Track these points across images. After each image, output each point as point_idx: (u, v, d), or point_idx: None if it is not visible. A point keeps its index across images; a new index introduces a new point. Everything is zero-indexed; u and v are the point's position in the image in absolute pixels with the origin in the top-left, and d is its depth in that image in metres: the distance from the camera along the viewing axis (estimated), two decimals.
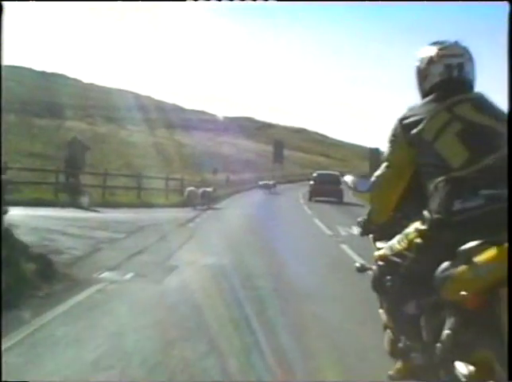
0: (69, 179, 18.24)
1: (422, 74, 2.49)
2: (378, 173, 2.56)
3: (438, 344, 2.12)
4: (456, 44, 2.45)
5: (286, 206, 23.33)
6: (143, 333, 4.06)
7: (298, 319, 4.66)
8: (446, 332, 2.07)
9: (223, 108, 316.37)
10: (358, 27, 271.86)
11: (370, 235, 2.93)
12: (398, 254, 2.42)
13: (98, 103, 60.67)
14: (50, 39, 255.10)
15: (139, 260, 7.40)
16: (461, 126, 2.22)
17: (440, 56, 2.41)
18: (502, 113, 2.31)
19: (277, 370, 3.36)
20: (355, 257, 7.88)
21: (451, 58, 2.40)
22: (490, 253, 1.90)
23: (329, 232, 12.47)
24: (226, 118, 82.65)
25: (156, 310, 4.82)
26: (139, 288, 5.68)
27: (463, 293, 1.95)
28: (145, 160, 29.43)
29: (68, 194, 17.07)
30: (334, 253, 9.13)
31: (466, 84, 2.41)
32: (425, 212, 2.21)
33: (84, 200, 16.31)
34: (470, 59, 2.42)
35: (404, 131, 2.36)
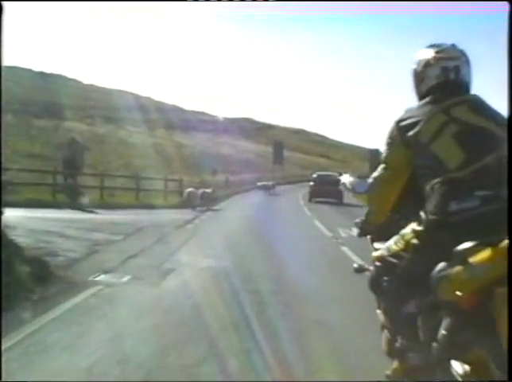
0: (67, 180, 18.16)
1: (419, 76, 2.51)
2: (375, 174, 2.58)
3: (434, 344, 2.15)
4: (453, 47, 2.47)
5: (286, 207, 23.25)
6: (138, 338, 3.96)
7: (299, 324, 4.55)
8: (442, 332, 2.09)
9: (222, 109, 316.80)
10: (358, 27, 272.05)
11: (368, 236, 2.93)
12: (395, 254, 2.45)
13: (97, 104, 60.57)
14: (49, 39, 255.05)
15: (136, 263, 7.29)
16: (457, 128, 2.25)
17: (436, 59, 2.44)
18: (498, 115, 2.34)
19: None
20: (356, 259, 7.76)
21: (447, 61, 2.42)
22: (486, 254, 1.92)
23: (329, 234, 12.37)
24: (226, 119, 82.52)
25: (153, 315, 4.71)
26: (136, 291, 5.57)
27: (458, 293, 1.97)
28: (145, 160, 29.38)
29: (66, 195, 16.99)
30: (334, 255, 9.02)
31: (462, 87, 2.43)
32: (422, 213, 2.24)
33: (83, 201, 16.23)
34: (466, 62, 2.45)
35: (401, 133, 2.38)
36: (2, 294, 4.28)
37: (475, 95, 2.42)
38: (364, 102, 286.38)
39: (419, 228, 2.26)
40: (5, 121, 22.21)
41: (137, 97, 69.41)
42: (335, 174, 29.80)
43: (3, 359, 3.25)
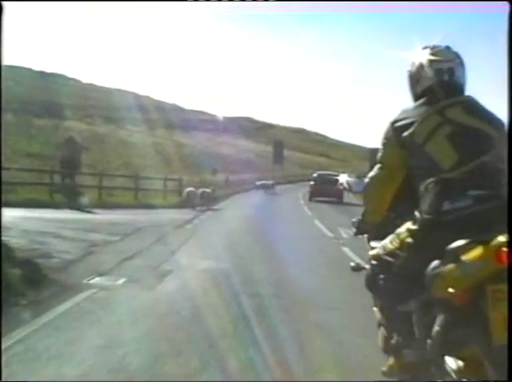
0: (65, 180, 17.99)
1: (414, 78, 2.56)
2: (371, 174, 2.62)
3: (429, 341, 2.19)
4: (447, 49, 2.52)
5: (286, 206, 23.12)
6: (132, 345, 3.78)
7: (299, 328, 4.38)
8: (436, 328, 2.13)
9: (222, 108, 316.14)
10: (359, 27, 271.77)
11: (365, 235, 2.98)
12: (391, 253, 2.47)
13: (97, 103, 60.46)
14: (49, 39, 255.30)
15: (133, 264, 7.10)
16: (451, 129, 2.28)
17: (431, 61, 2.48)
18: (492, 116, 2.38)
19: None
20: (357, 260, 7.58)
21: (441, 63, 2.47)
22: (477, 252, 1.96)
23: (330, 234, 12.21)
24: (226, 119, 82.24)
25: (148, 319, 4.53)
26: (131, 295, 5.38)
27: (451, 290, 2.01)
28: (145, 160, 29.26)
29: (64, 195, 16.82)
30: (335, 256, 8.86)
31: (456, 88, 2.47)
32: (416, 213, 2.28)
33: (83, 201, 16.07)
34: (460, 64, 2.49)
35: (396, 134, 2.42)
36: None
37: (469, 97, 2.45)
38: (364, 101, 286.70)
39: (414, 227, 2.30)
40: (5, 120, 22.09)
41: (137, 96, 69.29)
42: (336, 173, 29.81)
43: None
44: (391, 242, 2.48)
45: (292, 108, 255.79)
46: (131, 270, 6.59)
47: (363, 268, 3.02)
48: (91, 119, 46.27)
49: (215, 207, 19.88)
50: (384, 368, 2.77)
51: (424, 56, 2.51)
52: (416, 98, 2.54)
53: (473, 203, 2.15)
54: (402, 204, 2.51)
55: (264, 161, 49.68)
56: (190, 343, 3.87)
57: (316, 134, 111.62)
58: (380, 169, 2.56)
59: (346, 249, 9.27)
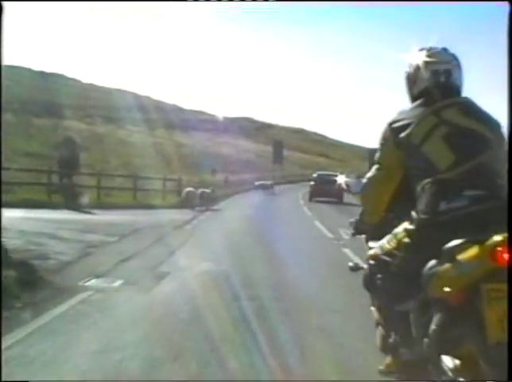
0: (62, 180, 17.87)
1: (411, 79, 2.58)
2: (369, 174, 2.63)
3: (426, 340, 2.20)
4: (444, 51, 2.54)
5: (286, 207, 23.05)
6: (127, 349, 3.68)
7: (299, 331, 4.28)
8: (433, 327, 2.14)
9: (222, 108, 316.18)
10: (359, 27, 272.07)
11: (363, 236, 3.00)
12: (388, 253, 2.49)
13: (97, 103, 60.41)
14: (49, 39, 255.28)
15: (130, 266, 7.01)
16: (447, 130, 2.30)
17: (427, 63, 2.50)
18: (489, 117, 2.40)
19: None
20: (357, 261, 7.49)
21: (438, 64, 2.48)
22: (473, 251, 1.98)
23: (330, 235, 12.10)
24: (226, 119, 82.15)
25: (144, 323, 4.43)
26: (128, 297, 5.28)
27: (447, 289, 2.03)
28: (144, 160, 29.19)
29: (62, 195, 16.72)
30: (336, 257, 8.76)
31: (453, 90, 2.48)
32: (413, 213, 2.30)
33: (79, 201, 15.98)
34: (457, 65, 2.51)
35: (393, 135, 2.44)
36: None
37: (465, 98, 2.47)
38: (363, 102, 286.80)
39: (410, 227, 2.32)
40: (5, 120, 22.01)
41: (136, 96, 69.29)
42: (336, 174, 29.77)
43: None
44: (389, 242, 2.50)
45: (292, 108, 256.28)
46: (128, 272, 6.50)
47: (361, 268, 3.03)
48: (90, 119, 46.22)
49: (214, 207, 19.79)
50: (381, 367, 2.79)
51: (421, 58, 2.53)
52: (413, 99, 2.57)
53: (469, 203, 2.17)
54: (400, 205, 2.53)
55: (263, 162, 49.60)
56: (188, 347, 3.78)
57: (316, 134, 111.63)
58: (378, 169, 2.58)
59: (346, 250, 9.17)
